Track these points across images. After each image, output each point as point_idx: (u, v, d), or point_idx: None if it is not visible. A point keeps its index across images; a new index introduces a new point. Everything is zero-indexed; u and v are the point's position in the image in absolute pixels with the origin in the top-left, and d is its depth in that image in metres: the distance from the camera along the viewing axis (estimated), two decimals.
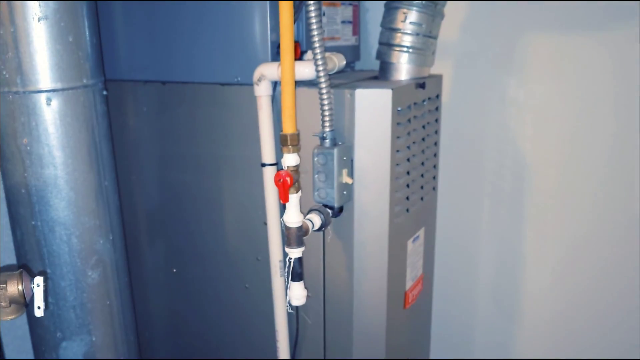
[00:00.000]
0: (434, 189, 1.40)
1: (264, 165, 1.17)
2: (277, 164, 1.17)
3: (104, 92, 1.10)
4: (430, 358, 1.60)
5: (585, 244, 1.51)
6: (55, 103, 0.99)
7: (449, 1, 1.25)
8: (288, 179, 1.04)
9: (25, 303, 0.80)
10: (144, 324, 1.51)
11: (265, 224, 1.22)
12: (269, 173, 1.16)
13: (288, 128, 1.06)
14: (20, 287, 0.79)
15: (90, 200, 1.06)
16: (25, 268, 0.95)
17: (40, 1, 0.95)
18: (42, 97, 0.98)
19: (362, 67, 1.54)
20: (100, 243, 1.09)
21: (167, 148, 1.34)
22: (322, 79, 1.04)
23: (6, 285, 0.78)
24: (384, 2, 1.23)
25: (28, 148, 0.99)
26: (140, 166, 1.39)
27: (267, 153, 1.16)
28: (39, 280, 0.80)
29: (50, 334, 1.09)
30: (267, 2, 1.14)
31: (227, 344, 1.42)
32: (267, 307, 1.29)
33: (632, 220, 1.43)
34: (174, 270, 1.43)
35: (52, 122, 0.99)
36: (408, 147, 1.20)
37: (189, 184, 1.34)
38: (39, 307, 0.80)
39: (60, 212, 1.02)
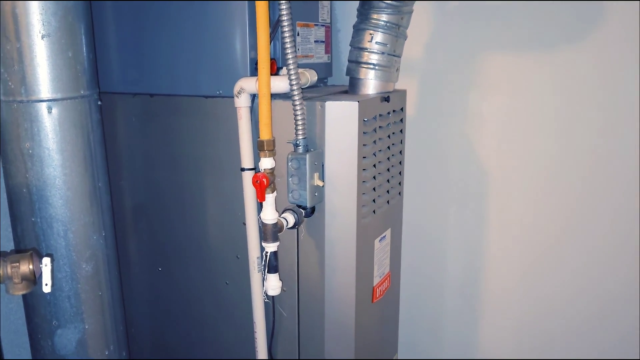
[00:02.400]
0: (399, 193, 1.53)
1: (243, 169, 1.29)
2: (255, 169, 1.29)
3: (99, 103, 1.22)
4: (398, 352, 1.71)
5: (545, 243, 1.64)
6: (55, 111, 1.10)
7: (412, 22, 1.38)
8: (264, 180, 1.16)
9: (34, 280, 0.91)
10: (130, 320, 1.61)
11: (244, 224, 1.33)
12: (248, 177, 1.28)
13: (264, 135, 1.19)
14: (31, 266, 0.90)
15: (85, 199, 1.17)
16: (34, 251, 1.05)
17: (44, 20, 1.06)
18: (44, 106, 1.09)
19: (334, 83, 1.67)
20: (94, 239, 1.19)
21: (154, 154, 1.46)
22: (296, 92, 1.17)
23: (19, 264, 0.89)
24: (354, 24, 1.37)
25: (30, 151, 1.10)
26: (129, 171, 1.51)
27: (246, 159, 1.28)
28: (47, 260, 0.91)
29: (47, 322, 1.19)
30: (247, 23, 1.27)
31: (209, 337, 1.52)
32: (246, 302, 1.40)
33: (594, 219, 1.57)
34: (159, 269, 1.54)
35: (52, 129, 1.11)
36: (374, 154, 1.33)
37: (174, 188, 1.45)
38: (46, 284, 0.91)
39: (58, 209, 1.13)
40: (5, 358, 1.42)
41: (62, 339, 1.20)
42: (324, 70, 1.57)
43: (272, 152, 1.20)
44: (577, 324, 1.66)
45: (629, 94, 1.45)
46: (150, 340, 1.63)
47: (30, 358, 1.26)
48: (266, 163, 1.20)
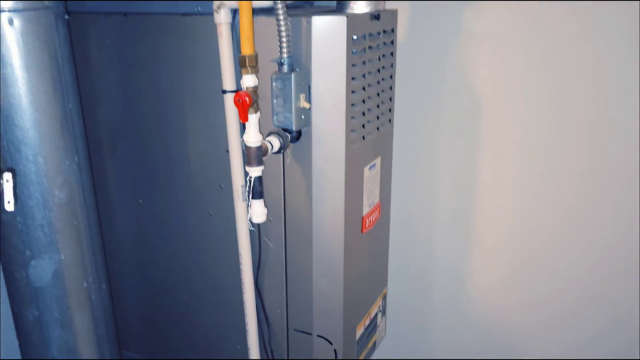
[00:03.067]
0: (390, 121, 1.46)
1: (224, 92, 1.21)
2: (238, 91, 1.21)
3: (66, 16, 1.12)
4: (389, 284, 1.68)
5: (543, 174, 1.60)
6: (17, 23, 1.01)
7: None
8: (247, 99, 1.09)
9: None
10: (112, 254, 1.55)
11: (227, 151, 1.27)
12: (230, 100, 1.20)
13: (246, 49, 1.10)
14: None
15: (55, 122, 1.09)
16: None
17: None
18: (4, 17, 1.00)
19: (321, 5, 1.57)
20: (66, 164, 1.12)
21: (130, 78, 1.37)
22: (280, 5, 1.09)
23: None
24: None
25: None
26: (104, 98, 1.42)
27: (228, 80, 1.20)
28: (7, 175, 0.85)
29: (19, 252, 1.13)
30: None
31: (194, 270, 1.48)
32: (231, 233, 1.35)
33: (590, 146, 1.52)
34: (140, 201, 1.47)
35: (15, 43, 1.02)
36: (364, 76, 1.25)
37: (152, 114, 1.37)
38: (9, 202, 0.85)
39: (25, 132, 1.06)
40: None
41: (37, 270, 1.14)
42: None
43: (254, 69, 1.12)
44: (571, 245, 1.64)
45: None
46: (132, 274, 1.58)
47: (5, 290, 1.20)
48: (248, 80, 1.12)
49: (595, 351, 1.69)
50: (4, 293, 1.20)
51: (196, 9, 1.24)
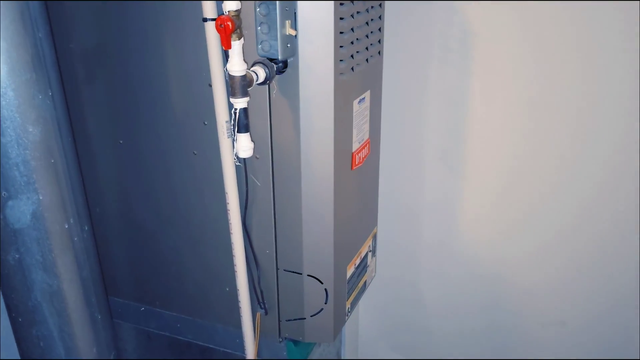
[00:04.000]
0: (379, 53, 1.41)
1: (205, 20, 1.13)
2: None
3: None
4: (378, 225, 1.66)
5: (530, 105, 1.56)
6: None
7: None
8: (229, 23, 1.02)
9: None
10: (95, 199, 1.50)
11: (210, 85, 1.21)
12: (212, 28, 1.13)
13: None
14: None
15: (24, 52, 1.02)
16: None
17: None
18: None
19: None
20: (39, 98, 1.05)
21: (104, 8, 1.28)
22: None
23: None
24: None
25: None
26: (76, 26, 1.33)
27: (209, 6, 1.12)
28: None
29: None
30: None
31: (178, 212, 1.43)
32: (216, 172, 1.30)
33: (581, 91, 1.49)
34: (120, 142, 1.41)
35: None
36: (352, 2, 1.19)
37: (129, 45, 1.30)
38: None
39: None
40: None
41: (14, 211, 1.09)
42: None
43: None
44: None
45: None
46: (116, 218, 1.53)
47: None
48: (230, 5, 1.05)
49: (594, 344, 1.71)
50: None
51: None
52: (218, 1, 1.10)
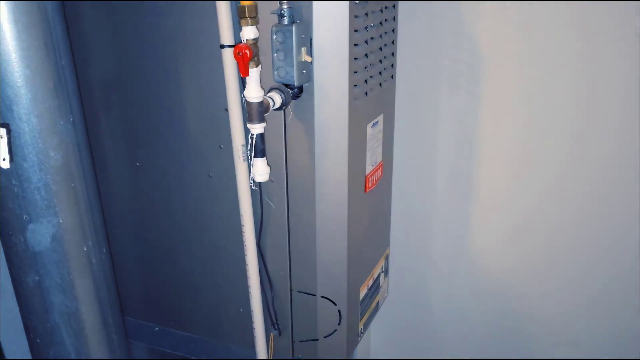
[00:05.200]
0: (392, 77, 1.43)
1: (223, 47, 1.16)
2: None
3: None
4: (390, 245, 1.67)
5: (540, 127, 1.57)
6: None
7: None
8: (247, 51, 1.04)
9: None
10: (111, 220, 1.52)
11: (227, 110, 1.23)
12: (229, 55, 1.16)
13: None
14: None
15: (48, 79, 1.05)
16: None
17: None
18: None
19: None
20: (61, 124, 1.08)
21: (123, 34, 1.31)
22: None
23: None
24: None
25: None
26: (96, 53, 1.36)
27: (226, 34, 1.15)
28: (2, 131, 0.81)
29: (16, 216, 1.09)
30: None
31: (194, 234, 1.45)
32: (232, 194, 1.31)
33: (589, 105, 1.50)
34: (137, 164, 1.44)
35: None
36: (366, 29, 1.21)
37: (147, 71, 1.32)
38: (4, 159, 0.81)
39: (17, 90, 1.01)
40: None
41: (35, 235, 1.11)
42: None
43: (254, 20, 1.07)
44: (567, 210, 1.63)
45: None
46: (132, 239, 1.55)
47: (2, 256, 1.17)
48: (248, 32, 1.07)
49: (595, 339, 1.70)
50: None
51: None
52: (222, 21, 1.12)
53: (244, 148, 1.24)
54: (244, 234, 1.32)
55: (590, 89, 1.48)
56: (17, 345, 1.43)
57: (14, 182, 1.06)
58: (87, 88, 1.39)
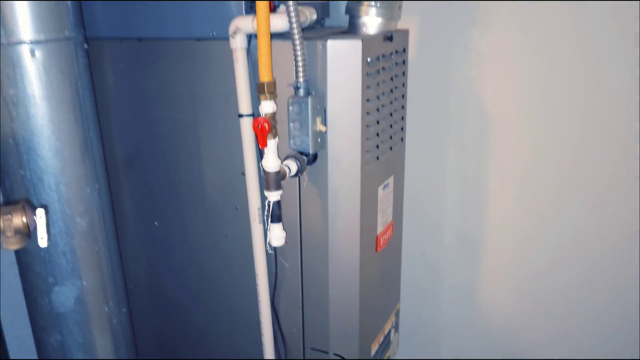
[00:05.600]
0: (402, 139, 1.48)
1: (241, 116, 1.22)
2: (254, 115, 1.22)
3: (85, 46, 1.14)
4: (400, 301, 1.69)
5: (546, 187, 1.61)
6: (39, 54, 1.02)
7: None
8: (266, 125, 1.10)
9: (28, 234, 0.85)
10: (128, 276, 1.56)
11: (243, 174, 1.28)
12: (246, 124, 1.22)
13: (265, 76, 1.12)
14: (24, 219, 0.84)
15: (76, 150, 1.11)
16: (26, 202, 0.99)
17: None
18: (26, 49, 1.01)
19: (332, 24, 1.59)
20: (87, 192, 1.13)
21: (145, 103, 1.38)
22: (296, 31, 1.10)
23: (11, 217, 0.84)
24: None
25: (14, 99, 1.02)
26: (120, 121, 1.43)
27: (244, 104, 1.21)
28: (41, 212, 0.86)
29: (43, 279, 1.14)
30: None
31: (209, 291, 1.48)
32: (247, 254, 1.35)
33: (595, 163, 1.53)
34: (156, 223, 1.48)
35: (37, 74, 1.03)
36: (377, 97, 1.27)
37: (168, 138, 1.39)
38: (42, 238, 0.86)
39: (48, 161, 1.07)
40: (1, 317, 1.37)
41: (59, 297, 1.15)
42: (321, 10, 1.48)
43: (273, 95, 1.13)
44: (572, 261, 1.65)
45: None
46: (148, 296, 1.59)
47: (27, 317, 1.21)
48: (267, 107, 1.13)
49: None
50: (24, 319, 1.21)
51: (211, 34, 1.26)
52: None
53: (260, 211, 1.28)
54: (258, 292, 1.36)
55: (596, 153, 1.53)
56: None
57: (40, 247, 1.11)
58: (111, 154, 1.45)
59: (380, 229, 1.40)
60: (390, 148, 1.39)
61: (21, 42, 1.00)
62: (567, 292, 1.69)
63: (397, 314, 1.67)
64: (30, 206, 0.86)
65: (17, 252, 1.16)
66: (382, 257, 1.45)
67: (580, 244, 1.62)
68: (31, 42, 1.02)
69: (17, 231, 0.84)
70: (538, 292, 1.72)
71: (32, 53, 1.02)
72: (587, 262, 1.63)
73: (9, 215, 0.83)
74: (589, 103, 1.49)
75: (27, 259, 1.14)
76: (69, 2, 1.07)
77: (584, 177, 1.56)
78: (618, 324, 1.65)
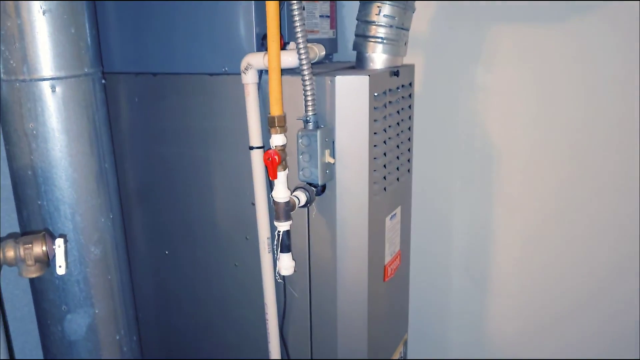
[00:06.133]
0: (409, 170, 1.51)
1: (251, 148, 1.26)
2: (264, 147, 1.26)
3: (103, 81, 1.18)
4: (409, 329, 1.70)
5: (551, 220, 1.63)
6: (59, 90, 1.07)
7: None
8: (276, 157, 1.13)
9: (47, 262, 0.88)
10: (138, 304, 1.58)
11: (253, 204, 1.31)
12: (257, 156, 1.25)
13: (275, 110, 1.16)
14: (44, 248, 0.87)
15: (92, 181, 1.14)
16: (46, 231, 1.02)
17: None
18: (47, 85, 1.06)
19: (340, 59, 1.64)
20: (101, 221, 1.17)
21: (158, 136, 1.42)
22: (305, 67, 1.14)
23: (32, 246, 0.87)
24: None
25: (34, 132, 1.07)
26: (133, 153, 1.47)
27: (255, 137, 1.25)
28: (59, 242, 0.89)
29: (56, 307, 1.16)
30: None
31: (218, 320, 1.50)
32: (256, 283, 1.38)
33: (599, 197, 1.55)
34: (166, 252, 1.51)
35: (56, 108, 1.07)
36: (384, 130, 1.30)
37: (179, 169, 1.42)
38: (60, 266, 0.88)
39: (64, 191, 1.10)
40: (12, 345, 1.39)
41: (72, 324, 1.17)
42: (329, 46, 1.53)
43: (283, 129, 1.17)
44: (582, 303, 1.66)
45: None
46: (158, 324, 1.61)
47: (39, 344, 1.23)
48: (277, 140, 1.17)
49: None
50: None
51: (223, 69, 1.30)
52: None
53: (269, 240, 1.31)
54: (267, 321, 1.37)
55: (600, 182, 1.55)
56: None
57: (55, 275, 1.14)
58: (124, 184, 1.49)
59: (387, 258, 1.42)
60: (397, 179, 1.42)
61: (43, 79, 1.05)
62: (578, 330, 1.69)
63: (406, 344, 1.67)
64: (50, 235, 0.89)
65: (32, 280, 1.19)
66: (390, 286, 1.46)
67: (590, 281, 1.63)
68: (52, 79, 1.06)
69: (37, 260, 0.87)
70: (546, 323, 1.73)
71: (53, 89, 1.06)
72: (589, 298, 1.64)
73: (30, 245, 0.86)
74: (593, 138, 1.52)
75: (41, 286, 1.16)
76: (88, 39, 1.11)
77: (590, 211, 1.58)
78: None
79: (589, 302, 1.66)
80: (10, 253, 0.88)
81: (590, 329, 1.67)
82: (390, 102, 1.31)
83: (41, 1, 1.03)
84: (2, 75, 1.06)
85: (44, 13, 1.03)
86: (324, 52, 1.28)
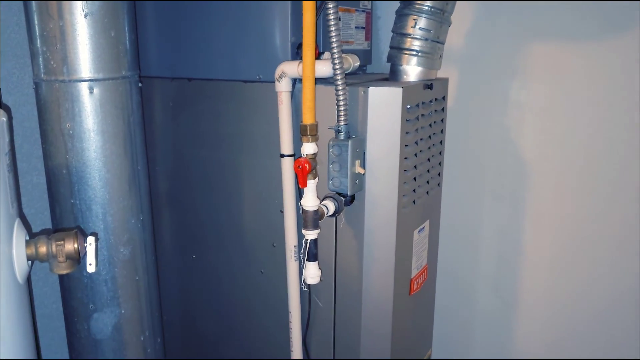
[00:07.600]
0: (439, 184, 1.49)
1: (282, 156, 1.26)
2: (295, 156, 1.26)
3: (139, 84, 1.20)
4: (432, 346, 1.68)
5: (582, 239, 1.59)
6: (96, 91, 1.09)
7: (455, 9, 1.34)
8: (307, 165, 1.13)
9: (78, 260, 0.90)
10: (163, 306, 1.59)
11: (282, 212, 1.31)
12: (287, 164, 1.25)
13: (308, 119, 1.16)
14: (76, 245, 0.89)
15: (124, 182, 1.16)
16: (78, 229, 1.04)
17: (86, 0, 1.05)
18: (85, 86, 1.08)
19: (373, 71, 1.64)
20: (131, 222, 1.18)
21: (191, 140, 1.44)
22: (339, 77, 1.14)
23: (64, 243, 0.88)
24: (397, 9, 1.33)
25: (71, 132, 1.09)
26: (165, 156, 1.49)
27: (286, 145, 1.25)
28: (91, 239, 0.90)
29: (84, 305, 1.18)
30: (290, 7, 1.24)
31: (242, 326, 1.50)
32: (282, 291, 1.37)
33: (630, 218, 1.52)
34: (193, 256, 1.52)
35: (93, 109, 1.09)
36: (416, 143, 1.29)
37: (210, 174, 1.44)
38: (90, 264, 0.90)
39: (97, 191, 1.12)
40: (39, 342, 1.42)
41: (98, 323, 1.19)
42: (364, 58, 1.53)
43: (314, 137, 1.17)
44: (611, 318, 1.61)
45: None
46: (182, 327, 1.61)
47: (65, 342, 1.25)
48: (308, 148, 1.17)
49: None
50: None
51: (257, 77, 1.31)
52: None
53: (296, 248, 1.31)
54: (291, 330, 1.37)
55: (631, 203, 1.51)
56: None
57: (84, 274, 1.16)
58: (155, 187, 1.51)
59: (414, 272, 1.40)
60: (427, 192, 1.41)
61: (81, 80, 1.07)
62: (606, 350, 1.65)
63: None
64: (82, 233, 0.90)
65: (61, 278, 1.20)
66: (415, 300, 1.45)
67: (621, 303, 1.59)
68: (90, 80, 1.08)
69: (68, 256, 0.89)
70: (573, 346, 1.69)
71: (91, 90, 1.08)
72: (628, 322, 1.59)
73: (62, 241, 0.88)
74: (629, 160, 1.49)
75: (70, 284, 1.18)
76: (127, 43, 1.13)
77: (624, 230, 1.54)
78: None
79: (618, 327, 1.62)
80: (42, 249, 0.89)
81: (622, 353, 1.63)
82: (422, 114, 1.30)
83: (84, 1, 1.05)
84: (42, 76, 1.09)
85: (85, 16, 1.05)
86: (358, 63, 1.28)
